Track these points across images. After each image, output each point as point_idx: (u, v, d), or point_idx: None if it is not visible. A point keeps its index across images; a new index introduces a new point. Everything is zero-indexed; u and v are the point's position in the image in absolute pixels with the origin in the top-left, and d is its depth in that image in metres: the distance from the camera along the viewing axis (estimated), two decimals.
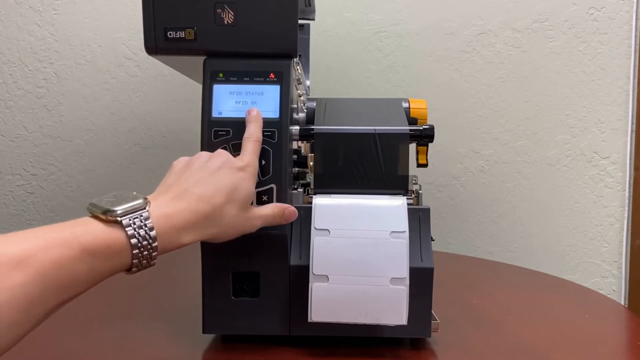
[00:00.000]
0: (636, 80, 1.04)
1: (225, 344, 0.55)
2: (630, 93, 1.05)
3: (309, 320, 0.50)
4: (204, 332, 0.54)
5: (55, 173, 1.10)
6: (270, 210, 0.50)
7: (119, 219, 0.38)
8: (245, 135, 0.51)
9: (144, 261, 0.40)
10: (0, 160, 1.09)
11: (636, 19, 1.04)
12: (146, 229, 0.39)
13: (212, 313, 0.54)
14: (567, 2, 1.04)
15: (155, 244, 0.40)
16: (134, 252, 0.39)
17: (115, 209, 0.39)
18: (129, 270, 0.40)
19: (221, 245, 0.52)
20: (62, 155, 1.09)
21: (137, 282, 0.77)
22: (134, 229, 0.39)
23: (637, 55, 1.04)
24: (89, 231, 0.37)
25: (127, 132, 1.09)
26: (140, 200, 0.40)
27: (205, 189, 0.45)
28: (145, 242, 0.39)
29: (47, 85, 1.08)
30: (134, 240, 0.39)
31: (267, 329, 0.54)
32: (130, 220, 0.39)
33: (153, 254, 0.40)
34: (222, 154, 0.49)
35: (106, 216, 0.38)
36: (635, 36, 1.04)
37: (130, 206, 0.39)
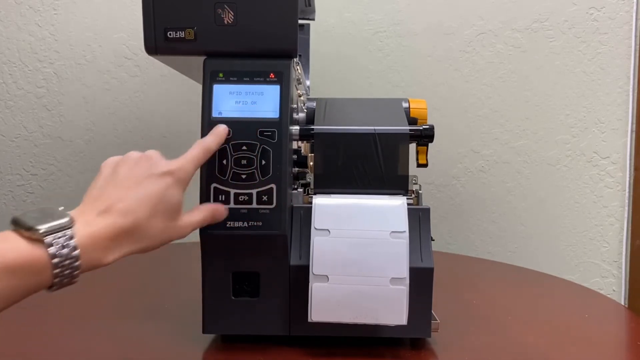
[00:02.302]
0: (636, 80, 1.04)
1: (225, 344, 0.55)
2: (630, 93, 1.05)
3: (309, 320, 0.50)
4: (204, 332, 0.54)
5: (55, 173, 1.10)
6: (201, 216, 0.49)
7: (41, 238, 0.38)
8: (198, 141, 0.50)
9: (65, 280, 0.39)
10: (0, 160, 1.09)
11: (636, 19, 1.04)
12: (69, 248, 0.38)
13: (212, 313, 0.54)
14: (567, 2, 1.04)
15: (78, 263, 0.39)
16: (55, 271, 0.38)
17: (39, 227, 0.38)
18: (49, 288, 0.39)
19: (221, 245, 0.53)
20: (62, 155, 1.09)
21: (137, 282, 0.77)
22: (57, 248, 0.38)
23: (637, 55, 1.04)
24: (10, 248, 0.37)
25: (127, 132, 1.09)
26: (66, 219, 0.39)
27: (128, 204, 0.43)
28: (67, 262, 0.38)
29: (47, 85, 1.08)
30: (55, 260, 0.38)
31: (267, 329, 0.54)
32: (53, 239, 0.38)
33: (75, 272, 0.39)
34: (150, 157, 0.46)
35: (29, 234, 0.38)
36: (635, 36, 1.04)
37: (55, 225, 0.39)
